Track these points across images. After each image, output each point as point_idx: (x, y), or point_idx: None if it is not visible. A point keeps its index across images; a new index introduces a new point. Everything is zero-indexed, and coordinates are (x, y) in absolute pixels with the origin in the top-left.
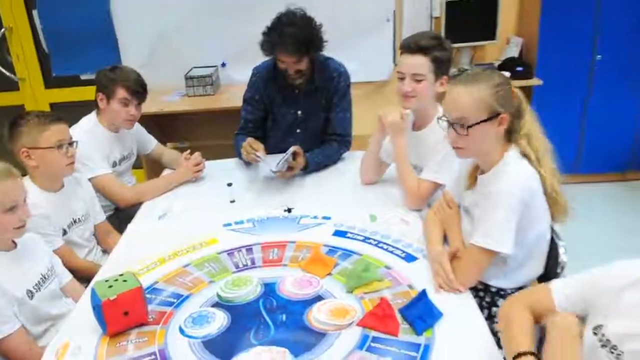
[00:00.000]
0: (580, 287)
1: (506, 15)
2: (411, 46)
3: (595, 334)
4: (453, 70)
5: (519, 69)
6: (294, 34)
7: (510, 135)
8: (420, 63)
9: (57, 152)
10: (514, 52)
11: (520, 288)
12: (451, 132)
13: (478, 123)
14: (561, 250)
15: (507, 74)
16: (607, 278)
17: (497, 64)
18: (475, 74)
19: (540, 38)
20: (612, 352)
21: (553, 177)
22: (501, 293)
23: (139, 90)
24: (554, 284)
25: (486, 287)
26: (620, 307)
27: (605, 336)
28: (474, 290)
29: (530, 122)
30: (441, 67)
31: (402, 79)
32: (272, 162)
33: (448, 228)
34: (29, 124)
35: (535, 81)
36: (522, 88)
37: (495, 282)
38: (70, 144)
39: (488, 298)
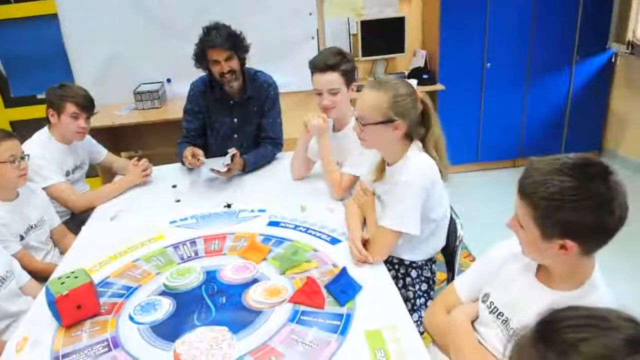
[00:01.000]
0: (474, 275)
1: (412, 32)
2: (321, 66)
3: (484, 301)
4: (370, 79)
5: (425, 76)
6: (219, 31)
7: (413, 136)
8: (332, 79)
9: (10, 166)
10: (420, 62)
11: (429, 260)
12: (356, 125)
13: (373, 124)
14: (459, 227)
15: (414, 81)
16: (490, 259)
17: (407, 72)
18: (383, 82)
19: (441, 50)
20: (499, 318)
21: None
22: (413, 265)
23: (87, 104)
24: (456, 281)
25: (400, 261)
26: (500, 279)
27: (494, 304)
28: (390, 264)
29: (435, 124)
30: (350, 77)
31: (319, 94)
32: (214, 164)
33: (366, 213)
34: None
35: (438, 86)
36: (429, 92)
37: (407, 256)
38: (22, 157)
39: (402, 270)
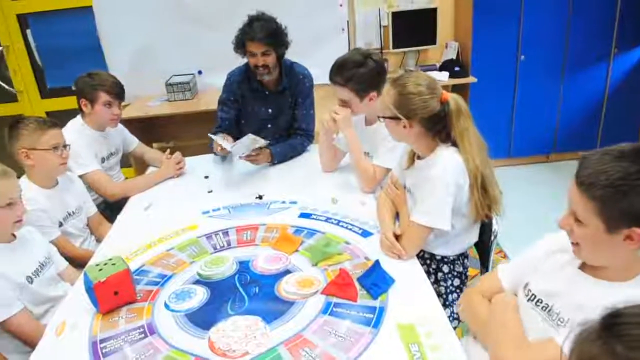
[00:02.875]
0: (518, 264)
1: (444, 23)
2: (331, 80)
3: (522, 290)
4: (400, 71)
5: (457, 69)
6: (262, 25)
7: (439, 133)
8: (341, 92)
9: (53, 154)
10: (452, 54)
11: (461, 255)
12: None
13: (385, 117)
14: (494, 221)
15: (446, 74)
16: (536, 249)
17: (438, 64)
18: (397, 78)
19: (473, 42)
20: (538, 305)
21: (487, 171)
22: (445, 260)
23: (118, 91)
24: (499, 268)
25: (432, 256)
26: (543, 269)
27: (532, 291)
28: (422, 259)
29: (465, 124)
30: (363, 90)
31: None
32: (239, 150)
33: (398, 206)
34: (28, 127)
35: (470, 79)
36: (460, 85)
37: (439, 251)
38: (65, 146)
39: (434, 265)
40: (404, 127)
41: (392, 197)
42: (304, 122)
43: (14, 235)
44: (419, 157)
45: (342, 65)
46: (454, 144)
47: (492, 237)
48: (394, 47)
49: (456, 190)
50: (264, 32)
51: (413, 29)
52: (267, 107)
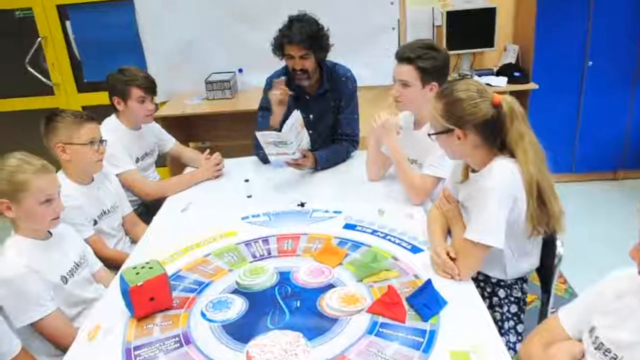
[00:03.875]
0: (583, 307)
1: (503, 24)
2: (399, 54)
3: (590, 335)
4: (455, 75)
5: (517, 74)
6: (301, 27)
7: (495, 142)
8: (405, 71)
9: (90, 149)
10: (511, 58)
11: (520, 279)
12: None
13: (436, 134)
14: (558, 243)
15: (504, 79)
16: (602, 289)
17: (495, 69)
18: (442, 90)
19: (536, 45)
20: (606, 355)
21: (544, 183)
22: (501, 283)
23: (150, 85)
24: (561, 313)
25: (487, 278)
26: (612, 313)
27: (599, 339)
28: (476, 281)
29: (521, 129)
30: (428, 75)
31: (394, 83)
32: (279, 139)
33: (451, 222)
34: (65, 121)
35: (531, 86)
36: (519, 92)
37: (495, 273)
38: (101, 141)
39: (489, 289)
40: (458, 138)
41: (444, 211)
42: (348, 127)
43: (50, 233)
44: (473, 171)
45: (413, 43)
46: (512, 155)
47: (555, 261)
48: (447, 49)
49: (511, 203)
50: (303, 35)
51: (469, 29)
52: (308, 112)
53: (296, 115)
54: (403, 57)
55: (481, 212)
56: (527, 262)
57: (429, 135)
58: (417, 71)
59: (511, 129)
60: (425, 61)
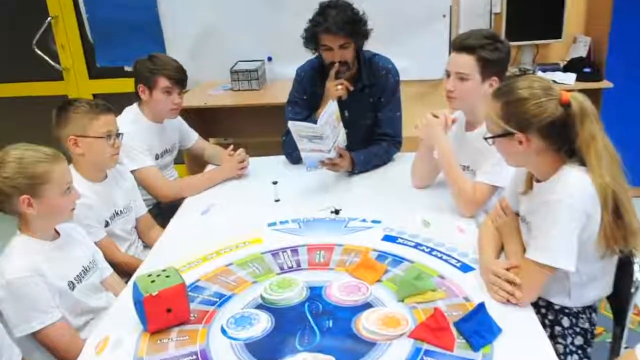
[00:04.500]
0: None
1: (573, 12)
2: (457, 44)
3: None
4: (514, 70)
5: (587, 70)
6: (337, 13)
7: (563, 146)
8: (464, 62)
9: (105, 142)
10: (581, 51)
11: (588, 307)
12: None
13: (493, 137)
14: (635, 267)
15: (572, 75)
16: None
17: (562, 63)
18: (500, 87)
19: (611, 37)
20: None
21: (621, 193)
22: (565, 311)
23: (180, 77)
24: (638, 351)
25: (549, 305)
26: None
27: None
28: (535, 306)
29: (592, 131)
30: (490, 68)
31: (448, 76)
32: (324, 137)
33: (504, 237)
34: (79, 111)
35: (604, 84)
36: (590, 91)
37: (559, 300)
38: (117, 135)
39: (551, 316)
40: (520, 143)
41: (498, 224)
42: (389, 126)
43: (57, 233)
44: (538, 180)
45: (474, 32)
46: (583, 163)
47: (633, 289)
48: (507, 40)
49: (584, 219)
50: (341, 22)
51: (533, 17)
52: (344, 109)
53: (332, 107)
54: (463, 45)
55: (549, 229)
56: (597, 288)
57: (485, 139)
58: (478, 63)
59: (582, 131)
60: (488, 52)
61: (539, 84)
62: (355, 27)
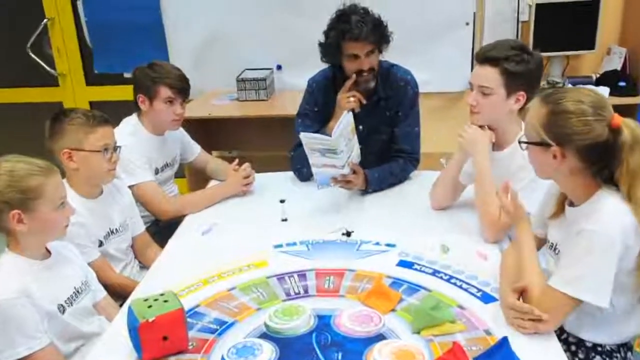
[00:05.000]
0: None
1: (608, 21)
2: (480, 55)
3: None
4: (542, 83)
5: (622, 84)
6: (361, 19)
7: (601, 171)
8: (487, 75)
9: (101, 157)
10: (616, 64)
11: (623, 345)
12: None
13: (529, 143)
14: None
15: (605, 89)
16: None
17: (595, 76)
18: (552, 93)
19: None
20: None
21: None
22: (598, 349)
23: (183, 86)
24: None
25: (579, 341)
26: None
27: None
28: (565, 343)
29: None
30: (516, 82)
31: (472, 89)
32: (338, 152)
33: (515, 220)
34: (74, 123)
35: None
36: (625, 107)
37: (590, 336)
38: (115, 148)
39: (581, 354)
40: (554, 157)
41: (511, 217)
42: (407, 142)
43: (48, 252)
44: (571, 204)
45: (500, 43)
46: (618, 187)
47: None
48: (535, 50)
49: (622, 252)
50: (369, 28)
51: (563, 27)
52: (358, 123)
53: (348, 118)
54: (486, 57)
55: (580, 259)
56: (633, 324)
57: (519, 142)
58: (502, 76)
59: (629, 161)
60: (514, 64)
61: (591, 99)
62: (381, 32)
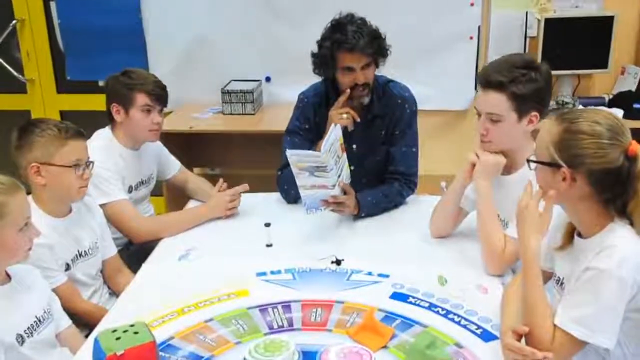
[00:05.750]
0: None
1: (623, 39)
2: (484, 80)
3: None
4: (551, 103)
5: (637, 105)
6: (358, 30)
7: (613, 201)
8: (494, 101)
9: (72, 173)
10: (630, 84)
11: None
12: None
13: (537, 162)
14: None
15: (619, 111)
16: None
17: (607, 97)
18: (567, 112)
19: None
20: None
21: None
22: None
23: (160, 93)
24: None
25: None
26: None
27: None
28: None
29: None
30: (527, 104)
31: (478, 115)
32: (328, 169)
33: (525, 291)
34: (45, 134)
35: None
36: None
37: None
38: (87, 164)
39: None
40: (563, 179)
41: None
42: (403, 163)
43: (8, 276)
44: (580, 235)
45: (503, 63)
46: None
47: None
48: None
49: (635, 292)
50: (366, 39)
51: (574, 43)
52: (351, 142)
53: (336, 132)
54: (490, 81)
55: (589, 301)
56: None
57: (527, 161)
58: (511, 101)
59: None
60: (522, 86)
61: (609, 123)
62: (379, 44)
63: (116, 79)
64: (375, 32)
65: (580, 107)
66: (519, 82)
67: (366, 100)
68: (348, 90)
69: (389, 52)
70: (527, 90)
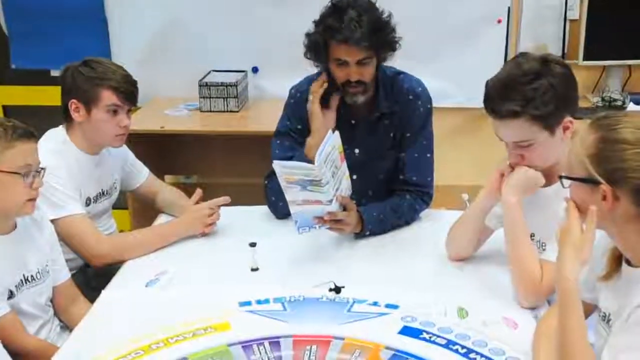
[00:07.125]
0: None
1: None
2: (493, 113)
3: None
4: (595, 100)
5: None
6: (358, 18)
7: None
8: (516, 130)
9: (20, 181)
10: None
11: None
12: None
13: (572, 179)
14: None
15: None
16: None
17: None
18: (602, 117)
19: None
20: None
21: None
22: None
23: (130, 89)
24: None
25: None
26: None
27: None
28: None
29: None
30: (554, 117)
31: (505, 142)
32: (323, 183)
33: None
34: None
35: None
36: None
37: None
38: (38, 171)
39: None
40: (604, 198)
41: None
42: (416, 172)
43: None
44: (628, 262)
45: (506, 86)
46: None
47: None
48: (585, 58)
49: None
50: (365, 30)
51: (625, 27)
52: (353, 144)
53: (333, 139)
54: (501, 113)
55: None
56: None
57: (559, 177)
58: (534, 123)
59: None
60: (539, 102)
61: None
62: (381, 37)
63: (76, 70)
64: (379, 21)
65: (632, 105)
66: (534, 101)
67: (361, 99)
68: (324, 76)
69: (397, 45)
70: (547, 104)
